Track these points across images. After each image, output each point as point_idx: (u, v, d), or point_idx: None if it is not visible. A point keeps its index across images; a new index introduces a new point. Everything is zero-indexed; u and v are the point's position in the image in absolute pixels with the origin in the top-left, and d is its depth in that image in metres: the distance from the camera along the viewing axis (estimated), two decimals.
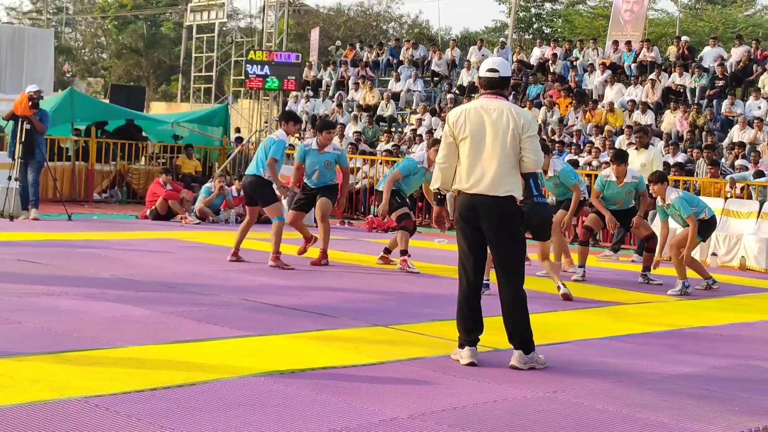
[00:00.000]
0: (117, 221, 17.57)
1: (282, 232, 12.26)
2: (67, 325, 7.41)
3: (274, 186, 12.21)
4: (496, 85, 7.00)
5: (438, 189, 7.16)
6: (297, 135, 28.54)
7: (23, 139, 16.05)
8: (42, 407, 5.10)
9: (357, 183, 21.75)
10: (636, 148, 15.36)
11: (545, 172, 12.45)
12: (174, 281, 10.18)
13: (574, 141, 22.89)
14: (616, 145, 21.21)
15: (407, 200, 13.21)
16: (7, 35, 28.34)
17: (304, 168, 12.80)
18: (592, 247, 16.84)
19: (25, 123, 16.06)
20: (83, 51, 75.00)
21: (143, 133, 24.27)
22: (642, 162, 15.13)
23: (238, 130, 25.45)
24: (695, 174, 19.16)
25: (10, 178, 16.02)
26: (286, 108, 30.69)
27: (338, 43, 38.97)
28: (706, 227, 12.20)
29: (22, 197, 16.40)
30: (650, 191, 12.20)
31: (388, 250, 13.08)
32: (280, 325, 8.01)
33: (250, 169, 12.44)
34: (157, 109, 48.68)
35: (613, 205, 12.74)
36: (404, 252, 12.40)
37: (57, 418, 4.92)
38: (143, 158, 23.25)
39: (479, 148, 6.83)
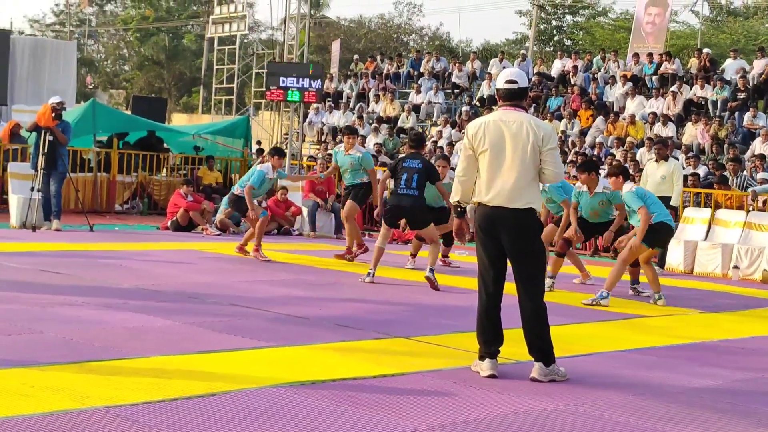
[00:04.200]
0: (138, 232, 17.63)
1: (264, 227, 14.20)
2: (88, 335, 7.44)
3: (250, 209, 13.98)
4: (515, 97, 7.00)
5: (458, 201, 7.16)
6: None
7: (46, 151, 16.12)
8: (63, 417, 5.12)
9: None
10: (656, 161, 15.34)
11: None
12: (195, 292, 10.20)
13: (596, 153, 22.85)
14: (638, 158, 21.17)
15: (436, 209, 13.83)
16: (30, 47, 28.51)
17: (338, 167, 14.85)
18: (612, 259, 16.80)
19: (47, 134, 16.14)
20: (105, 63, 75.43)
21: (165, 145, 24.36)
22: (662, 174, 15.11)
23: (258, 143, 25.54)
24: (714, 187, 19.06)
25: (32, 189, 16.09)
26: (307, 119, 30.79)
27: (356, 57, 39.13)
28: (650, 233, 11.37)
29: (44, 208, 16.47)
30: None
31: (444, 255, 14.44)
32: (301, 336, 8.02)
33: (233, 188, 14.78)
34: (178, 120, 48.92)
35: (591, 217, 12.48)
36: (413, 255, 14.11)
37: (78, 428, 4.94)
38: (164, 169, 23.33)
39: (499, 160, 6.83)
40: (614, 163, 13.24)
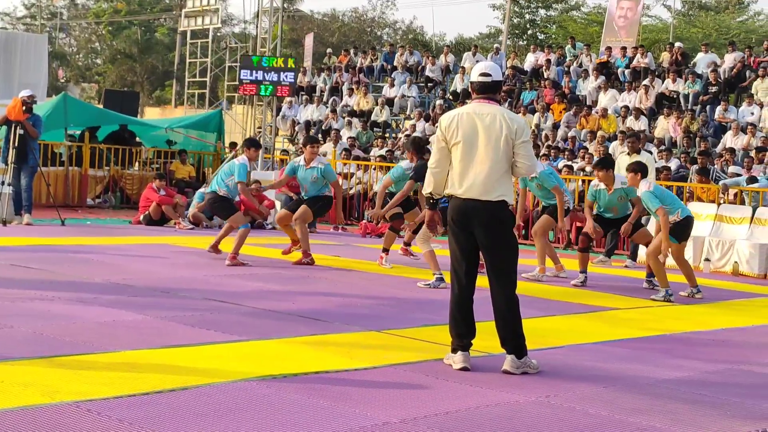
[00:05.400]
0: (110, 226, 17.55)
1: (246, 238, 12.76)
2: (59, 329, 7.40)
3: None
4: (489, 90, 7.00)
5: (430, 193, 7.16)
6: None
7: (16, 144, 16.02)
8: (34, 411, 5.09)
9: (351, 188, 21.75)
10: (628, 154, 15.41)
11: None
12: (167, 286, 10.17)
13: (569, 147, 22.92)
14: (610, 151, 21.23)
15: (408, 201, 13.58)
16: (0, 40, 28.31)
17: (291, 180, 14.21)
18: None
19: (18, 128, 16.03)
20: (77, 56, 75.02)
21: (137, 139, 24.26)
22: None
23: (233, 144, 25.43)
24: (689, 180, 19.16)
25: (3, 183, 15.98)
26: (281, 113, 30.72)
27: (329, 50, 39.11)
28: (678, 229, 11.76)
29: (15, 202, 16.36)
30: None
31: (407, 244, 13.89)
32: (273, 329, 8.01)
33: (210, 188, 13.59)
34: (151, 114, 48.72)
35: (609, 213, 12.69)
36: (385, 250, 13.16)
37: (49, 423, 4.91)
38: (137, 163, 23.23)
39: (472, 153, 6.83)
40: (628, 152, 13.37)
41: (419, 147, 12.76)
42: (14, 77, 27.20)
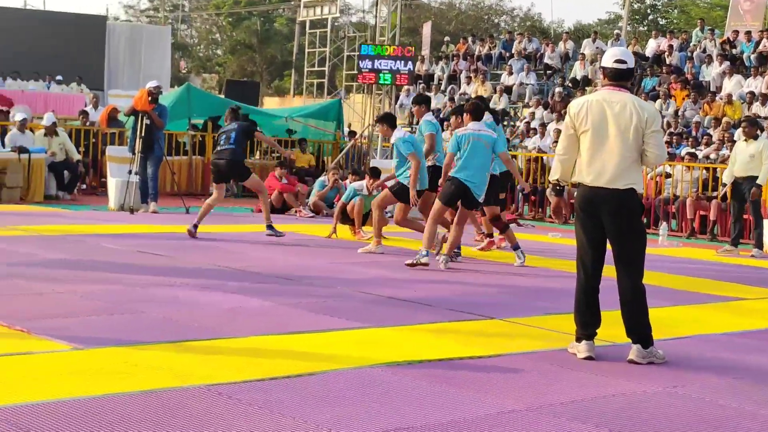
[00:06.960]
0: (233, 214, 17.83)
1: (361, 212, 14.62)
2: (187, 315, 7.56)
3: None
4: (623, 77, 6.89)
5: (557, 180, 7.09)
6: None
7: (143, 134, 16.38)
8: (167, 394, 5.21)
9: None
10: (745, 140, 15.07)
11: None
12: (289, 273, 10.29)
13: (693, 133, 22.49)
14: (735, 138, 20.75)
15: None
16: (126, 33, 29.05)
17: None
18: (709, 242, 16.60)
19: (144, 118, 16.39)
20: (198, 47, 76.36)
21: (258, 128, 24.56)
22: (751, 153, 14.86)
23: (352, 134, 25.69)
24: None
25: (130, 172, 16.38)
26: (399, 102, 30.79)
27: (447, 39, 39.08)
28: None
29: (141, 191, 16.76)
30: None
31: (490, 235, 13.72)
32: (395, 317, 8.04)
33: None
34: (270, 104, 49.29)
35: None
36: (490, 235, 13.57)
37: (181, 405, 5.02)
38: (258, 152, 23.53)
39: (600, 141, 6.74)
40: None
41: (232, 111, 14.93)
42: (139, 69, 27.88)
